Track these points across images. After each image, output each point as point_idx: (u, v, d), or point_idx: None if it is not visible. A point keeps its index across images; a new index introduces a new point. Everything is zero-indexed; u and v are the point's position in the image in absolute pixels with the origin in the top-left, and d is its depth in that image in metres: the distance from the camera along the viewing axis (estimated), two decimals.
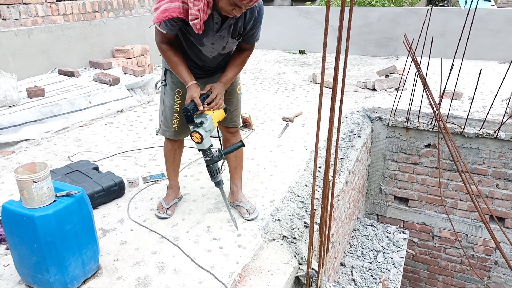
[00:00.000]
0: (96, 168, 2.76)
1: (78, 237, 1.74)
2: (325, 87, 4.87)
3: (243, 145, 2.18)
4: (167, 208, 2.37)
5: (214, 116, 1.97)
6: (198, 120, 1.93)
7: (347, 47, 1.61)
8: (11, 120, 3.49)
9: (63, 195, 1.71)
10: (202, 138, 1.92)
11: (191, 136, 1.94)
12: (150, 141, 3.52)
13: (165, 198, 2.44)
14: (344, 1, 1.43)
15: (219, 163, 2.08)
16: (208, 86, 2.02)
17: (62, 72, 4.74)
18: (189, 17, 1.77)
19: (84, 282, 1.85)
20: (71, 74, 4.68)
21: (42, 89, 4.04)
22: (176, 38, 2.01)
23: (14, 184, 2.68)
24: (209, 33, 1.90)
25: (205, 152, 2.00)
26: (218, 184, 2.13)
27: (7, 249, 2.07)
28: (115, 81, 4.49)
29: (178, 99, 2.18)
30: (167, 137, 2.30)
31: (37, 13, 4.65)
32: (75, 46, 5.10)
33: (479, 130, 3.81)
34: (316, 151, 1.80)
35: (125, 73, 4.97)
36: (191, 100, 1.93)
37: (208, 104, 1.96)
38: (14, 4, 4.39)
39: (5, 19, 4.34)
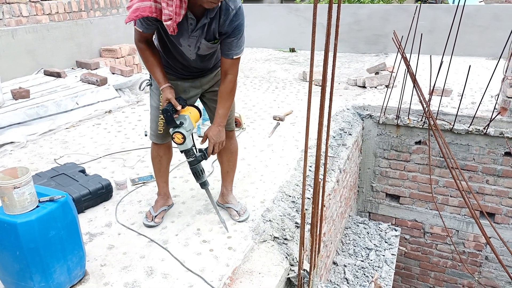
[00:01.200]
0: (83, 171, 2.70)
1: (63, 243, 1.69)
2: (315, 85, 4.85)
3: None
4: (155, 216, 2.29)
5: (191, 117, 1.99)
6: (177, 121, 1.94)
7: (335, 44, 1.59)
8: None
9: (47, 200, 1.66)
10: (184, 138, 1.93)
11: (172, 138, 1.95)
12: (138, 142, 3.46)
13: (153, 205, 2.38)
14: None
15: (202, 163, 2.06)
16: (204, 136, 2.01)
17: (48, 73, 4.65)
18: (163, 17, 1.73)
19: None
20: (57, 75, 4.59)
21: (28, 90, 3.96)
22: (161, 38, 1.98)
23: None
24: (184, 34, 1.86)
25: (188, 152, 1.99)
26: (204, 185, 2.11)
27: None
28: (103, 81, 4.42)
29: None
30: (154, 141, 2.25)
31: (21, 13, 4.55)
32: (61, 46, 5.00)
33: (468, 127, 3.82)
34: (306, 150, 1.77)
35: (113, 73, 4.90)
36: (168, 102, 1.93)
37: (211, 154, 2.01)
38: None
39: None
